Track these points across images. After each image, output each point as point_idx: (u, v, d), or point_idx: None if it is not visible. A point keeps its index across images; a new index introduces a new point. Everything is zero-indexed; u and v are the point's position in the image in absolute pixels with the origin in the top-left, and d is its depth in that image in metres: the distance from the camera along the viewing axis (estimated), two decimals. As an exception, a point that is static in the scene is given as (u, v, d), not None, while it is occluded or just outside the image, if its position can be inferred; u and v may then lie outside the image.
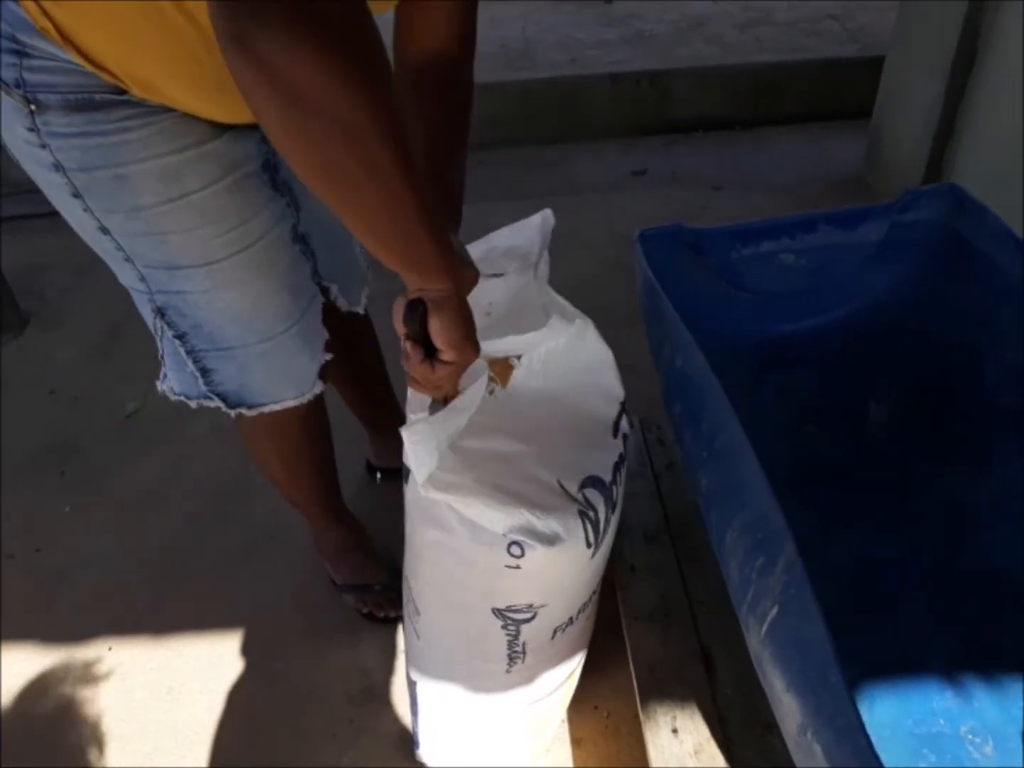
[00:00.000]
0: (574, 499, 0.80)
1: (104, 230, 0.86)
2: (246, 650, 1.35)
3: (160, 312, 0.94)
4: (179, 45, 0.72)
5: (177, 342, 0.96)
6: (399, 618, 1.31)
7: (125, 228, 0.85)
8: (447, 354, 0.72)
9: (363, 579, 1.36)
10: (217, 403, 1.02)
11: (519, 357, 0.86)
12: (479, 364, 0.79)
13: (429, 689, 1.01)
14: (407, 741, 1.18)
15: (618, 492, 0.86)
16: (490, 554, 0.79)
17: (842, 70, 2.68)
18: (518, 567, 0.79)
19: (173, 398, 1.05)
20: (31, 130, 0.78)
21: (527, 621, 0.86)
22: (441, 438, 0.78)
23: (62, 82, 0.75)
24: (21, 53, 0.74)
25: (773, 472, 0.77)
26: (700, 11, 3.10)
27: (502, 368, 0.86)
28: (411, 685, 1.05)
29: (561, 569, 0.82)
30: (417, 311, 0.71)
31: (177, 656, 1.35)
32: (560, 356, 0.87)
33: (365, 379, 1.42)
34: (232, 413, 1.04)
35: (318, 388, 1.08)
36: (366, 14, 0.55)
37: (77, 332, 2.05)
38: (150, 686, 1.31)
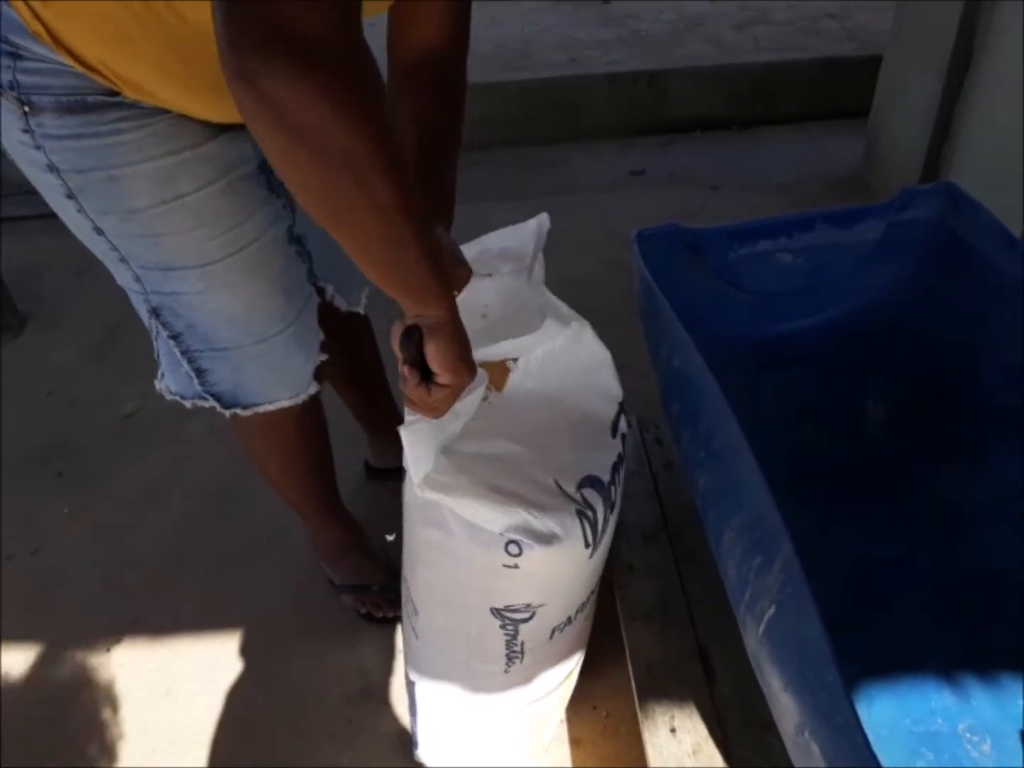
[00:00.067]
0: (572, 499, 0.80)
1: (99, 231, 0.86)
2: (244, 651, 1.35)
3: (155, 312, 0.94)
4: (170, 45, 0.72)
5: (172, 342, 0.96)
6: (397, 618, 1.31)
7: (119, 229, 0.86)
8: (443, 377, 0.73)
9: (361, 579, 1.36)
10: (212, 403, 1.03)
11: (515, 360, 0.86)
12: (479, 373, 0.79)
13: (428, 689, 1.01)
14: (406, 741, 1.18)
15: (616, 492, 0.86)
16: (488, 554, 0.79)
17: (840, 69, 2.68)
18: (516, 567, 0.79)
19: (169, 397, 1.05)
20: (26, 132, 0.78)
21: (525, 621, 0.86)
22: (439, 439, 0.78)
23: (55, 84, 0.75)
24: (14, 55, 0.74)
25: (771, 472, 0.77)
26: (697, 11, 3.10)
27: (497, 372, 0.86)
28: (410, 685, 1.05)
29: (559, 569, 0.82)
30: (414, 337, 0.72)
31: (175, 657, 1.35)
32: (557, 357, 0.87)
33: (364, 380, 1.42)
34: (227, 413, 1.04)
35: (313, 389, 1.08)
36: (366, 50, 0.56)
37: (75, 333, 2.05)
38: (148, 687, 1.31)
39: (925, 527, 1.11)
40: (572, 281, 1.98)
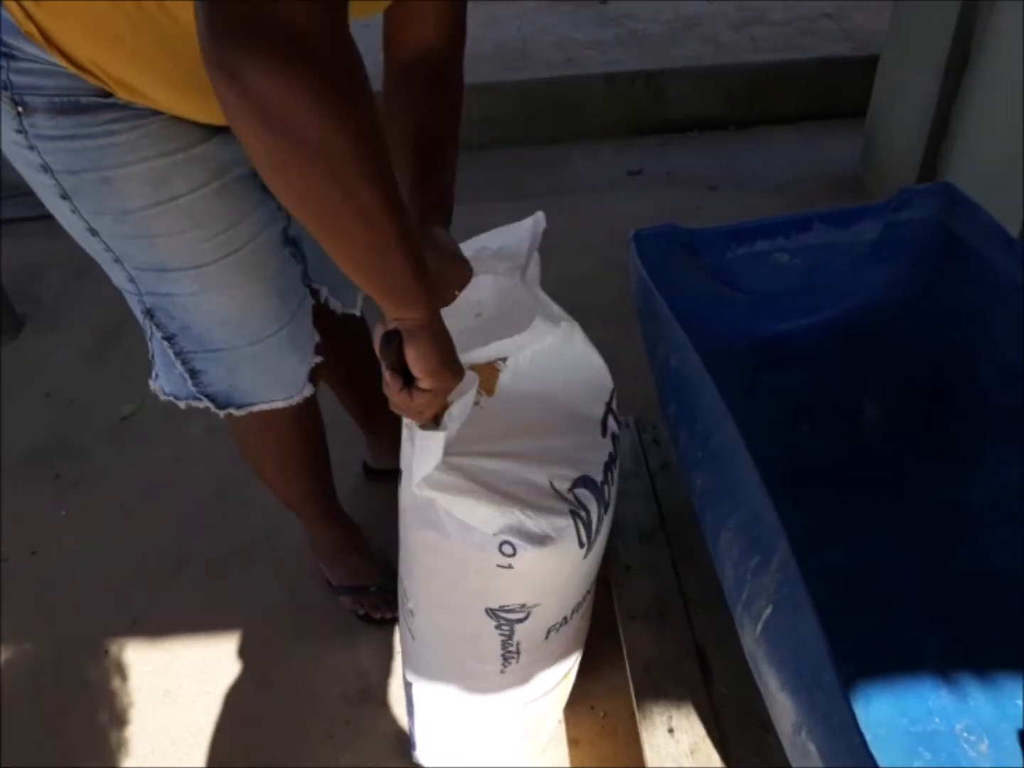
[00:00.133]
0: (565, 499, 0.80)
1: (93, 232, 0.86)
2: (243, 652, 1.35)
3: (149, 313, 0.94)
4: (162, 46, 0.72)
5: (166, 343, 0.96)
6: (395, 619, 1.31)
7: (113, 230, 0.85)
8: (424, 382, 0.72)
9: (359, 580, 1.36)
10: (206, 404, 1.02)
11: (504, 360, 0.86)
12: (468, 376, 0.79)
13: (425, 690, 1.01)
14: (404, 742, 1.18)
15: (610, 492, 0.86)
16: (482, 554, 0.79)
17: (837, 69, 2.68)
18: (510, 567, 0.79)
19: (163, 398, 1.05)
20: (19, 132, 0.78)
21: (520, 621, 0.86)
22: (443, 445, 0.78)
23: (48, 84, 0.75)
24: (8, 55, 0.74)
25: (768, 472, 0.77)
26: (695, 11, 3.10)
27: (487, 373, 0.86)
28: (407, 686, 1.05)
29: (553, 569, 0.82)
30: (393, 341, 0.71)
31: (174, 658, 1.35)
32: (547, 358, 0.87)
33: (361, 381, 1.42)
34: (221, 414, 1.04)
35: (308, 391, 1.08)
36: (353, 47, 0.55)
37: (73, 334, 2.04)
38: (146, 689, 1.31)
39: (922, 527, 1.11)
40: (571, 281, 1.99)
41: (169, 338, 0.95)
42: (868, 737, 0.61)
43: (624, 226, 1.18)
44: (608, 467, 0.85)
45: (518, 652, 0.91)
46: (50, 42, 0.72)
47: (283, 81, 0.50)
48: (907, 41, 2.00)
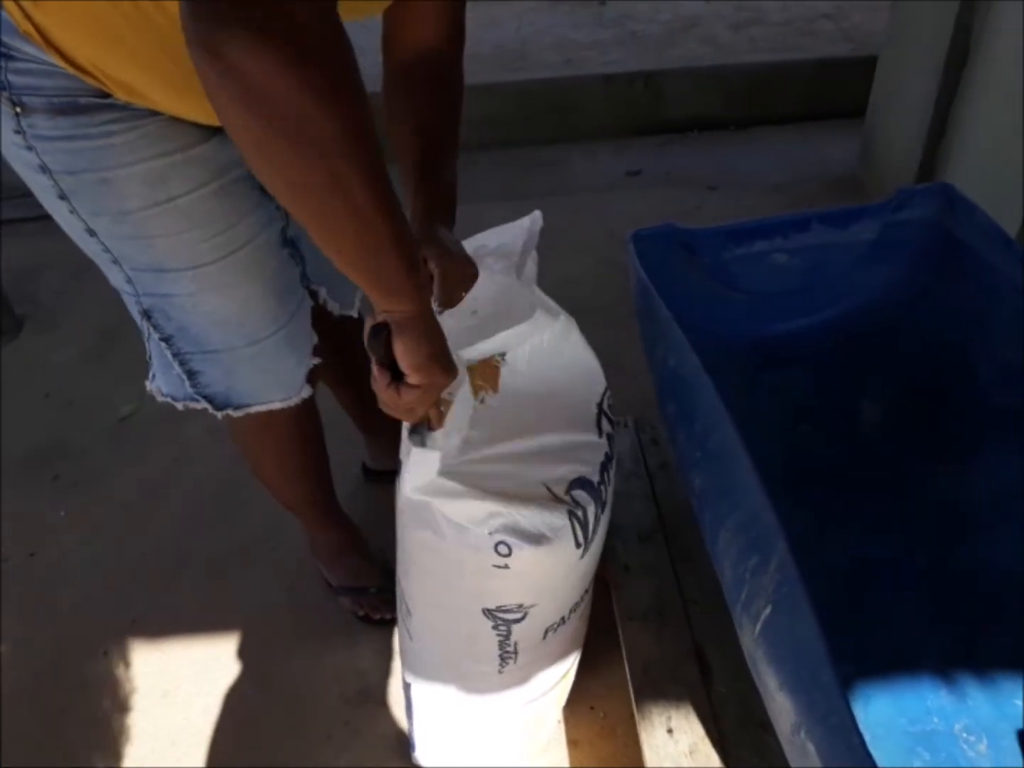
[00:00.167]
0: (562, 500, 0.80)
1: (91, 232, 0.86)
2: (242, 653, 1.35)
3: (146, 314, 0.94)
4: (161, 46, 0.72)
5: (163, 344, 0.96)
6: (395, 620, 1.31)
7: (112, 231, 0.85)
8: (413, 377, 0.71)
9: (358, 581, 1.36)
10: (204, 405, 1.02)
11: (503, 355, 0.86)
12: (461, 396, 0.78)
13: (423, 690, 1.01)
14: (403, 743, 1.18)
15: (607, 492, 0.86)
16: (478, 555, 0.79)
17: (836, 70, 2.68)
18: (506, 567, 0.78)
19: (160, 399, 1.04)
20: (18, 132, 0.78)
21: (517, 621, 0.86)
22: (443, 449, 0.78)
23: (47, 85, 0.75)
24: (6, 55, 0.74)
25: (768, 472, 0.77)
26: (693, 11, 3.10)
27: (489, 371, 0.86)
28: (406, 687, 1.05)
29: (550, 569, 0.82)
30: (382, 334, 0.69)
31: (172, 659, 1.35)
32: (544, 356, 0.87)
33: (359, 382, 1.41)
34: (219, 415, 1.04)
35: (305, 392, 1.08)
36: (340, 28, 0.54)
37: (72, 335, 2.04)
38: (145, 689, 1.31)
39: (922, 527, 1.11)
40: (570, 281, 1.98)
41: (167, 339, 0.95)
42: (867, 737, 0.62)
43: (623, 226, 1.18)
44: (604, 467, 0.85)
45: (516, 652, 0.91)
46: (48, 42, 0.72)
47: (263, 57, 0.49)
48: (905, 41, 2.00)
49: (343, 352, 1.29)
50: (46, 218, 0.90)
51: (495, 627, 0.87)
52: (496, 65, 2.84)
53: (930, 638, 1.00)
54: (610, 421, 0.89)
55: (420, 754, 1.12)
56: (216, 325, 0.94)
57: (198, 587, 1.45)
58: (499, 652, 0.90)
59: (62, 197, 0.83)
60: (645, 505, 1.23)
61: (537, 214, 0.90)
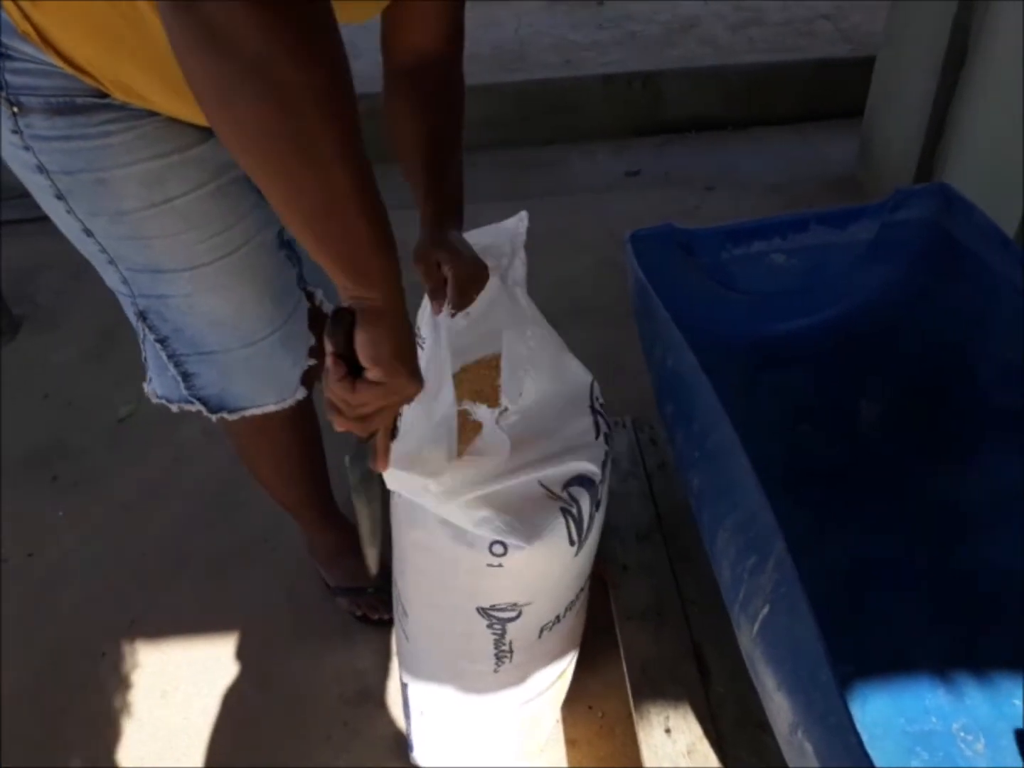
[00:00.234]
0: (557, 497, 0.80)
1: (88, 232, 0.86)
2: (240, 653, 1.35)
3: (142, 315, 0.94)
4: (157, 46, 0.71)
5: (158, 346, 0.96)
6: (392, 620, 1.31)
7: (109, 231, 0.85)
8: (372, 372, 0.64)
9: (356, 582, 1.36)
10: (198, 407, 1.02)
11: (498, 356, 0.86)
12: (448, 413, 0.75)
13: (420, 690, 1.01)
14: (402, 743, 1.18)
15: (603, 489, 0.86)
16: (472, 553, 0.79)
17: (835, 70, 2.68)
18: (500, 566, 0.78)
19: (155, 401, 1.04)
20: (15, 132, 0.77)
21: (512, 620, 0.86)
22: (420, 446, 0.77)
23: (44, 85, 0.75)
24: (4, 55, 0.74)
25: (768, 471, 0.77)
26: (692, 12, 3.10)
27: (484, 373, 0.85)
28: (403, 687, 1.05)
29: (544, 567, 0.82)
30: (343, 321, 0.63)
31: (171, 660, 1.35)
32: (528, 364, 0.86)
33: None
34: (213, 417, 1.03)
35: (300, 394, 1.07)
36: None
37: (70, 336, 2.04)
38: (144, 690, 1.31)
39: (922, 527, 1.11)
40: (569, 281, 2.00)
41: (162, 340, 0.95)
42: (865, 737, 0.62)
43: (622, 226, 1.19)
44: (601, 465, 0.85)
45: (511, 651, 0.91)
46: (46, 42, 0.72)
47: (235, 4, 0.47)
48: (903, 42, 2.00)
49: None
50: (45, 219, 0.90)
51: (490, 626, 0.87)
52: (495, 66, 2.84)
53: (930, 638, 1.00)
54: (604, 419, 0.89)
55: (418, 754, 1.12)
56: (212, 326, 0.94)
57: (197, 587, 1.45)
58: (494, 651, 0.90)
59: (59, 197, 0.82)
60: (643, 505, 1.23)
61: (523, 214, 0.90)
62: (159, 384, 1.02)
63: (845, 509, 1.14)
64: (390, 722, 1.23)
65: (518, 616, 0.86)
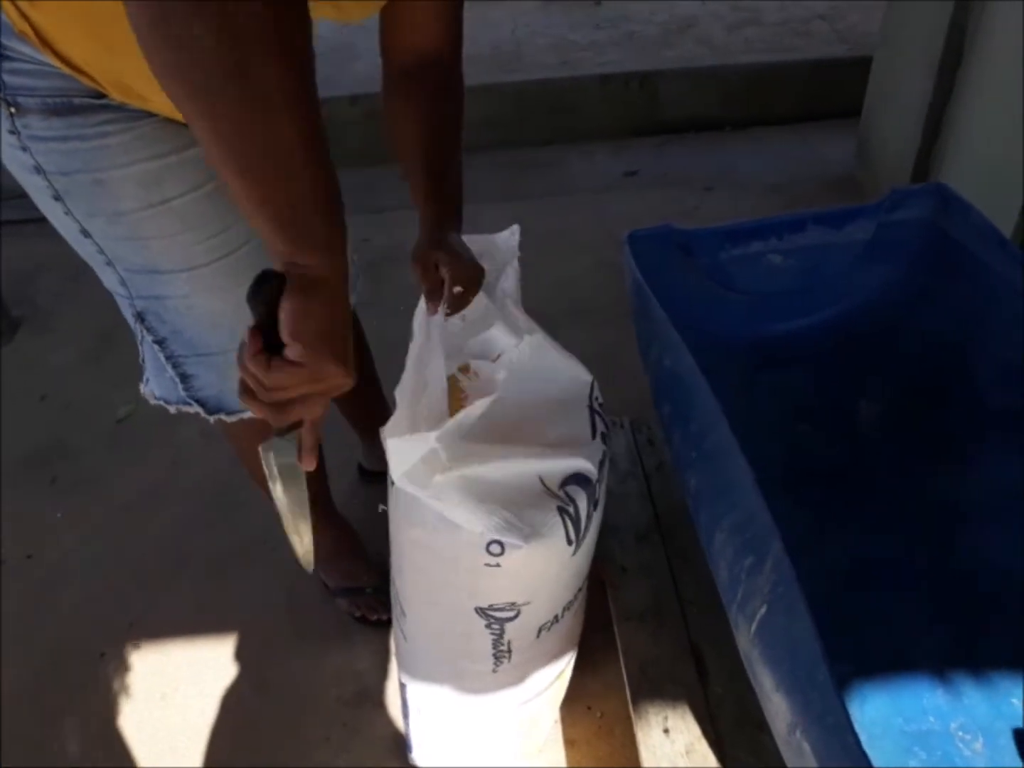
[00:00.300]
0: (555, 495, 0.80)
1: (85, 233, 0.86)
2: (239, 654, 1.35)
3: (140, 317, 0.93)
4: None
5: (156, 347, 0.96)
6: (391, 620, 1.31)
7: (106, 232, 0.85)
8: (292, 349, 0.56)
9: (355, 582, 1.36)
10: (196, 409, 1.02)
11: (499, 356, 0.86)
12: (439, 385, 0.75)
13: (419, 691, 1.01)
14: (401, 744, 1.18)
15: (600, 489, 0.86)
16: (470, 553, 0.78)
17: (832, 70, 2.69)
18: (498, 565, 0.78)
19: (153, 402, 1.04)
20: (12, 133, 0.77)
21: (511, 620, 0.86)
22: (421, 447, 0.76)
23: (41, 85, 0.75)
24: (1, 56, 0.74)
25: (767, 472, 0.77)
26: (689, 12, 3.10)
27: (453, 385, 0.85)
28: (401, 687, 1.05)
29: (542, 567, 0.82)
30: (265, 286, 0.56)
31: (170, 661, 1.35)
32: (522, 372, 0.85)
33: (355, 384, 1.42)
34: (211, 419, 1.03)
35: None
36: None
37: (68, 337, 2.04)
38: (143, 692, 1.31)
39: (922, 527, 1.11)
40: (567, 282, 2.00)
41: (160, 342, 0.95)
42: (863, 737, 0.62)
43: (621, 227, 1.19)
44: (599, 464, 0.85)
45: (509, 651, 0.91)
46: (44, 42, 0.72)
47: None
48: (900, 42, 2.00)
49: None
50: (44, 220, 0.90)
51: (488, 626, 0.87)
52: (492, 66, 2.84)
53: (928, 637, 1.00)
54: (603, 419, 0.89)
55: (417, 755, 1.12)
56: (210, 328, 0.94)
57: (197, 588, 1.45)
58: (493, 651, 0.90)
59: (57, 198, 0.82)
60: (641, 505, 1.23)
61: (515, 228, 0.90)
62: (157, 385, 1.02)
63: (845, 509, 1.14)
64: (389, 722, 1.23)
65: (516, 616, 0.86)
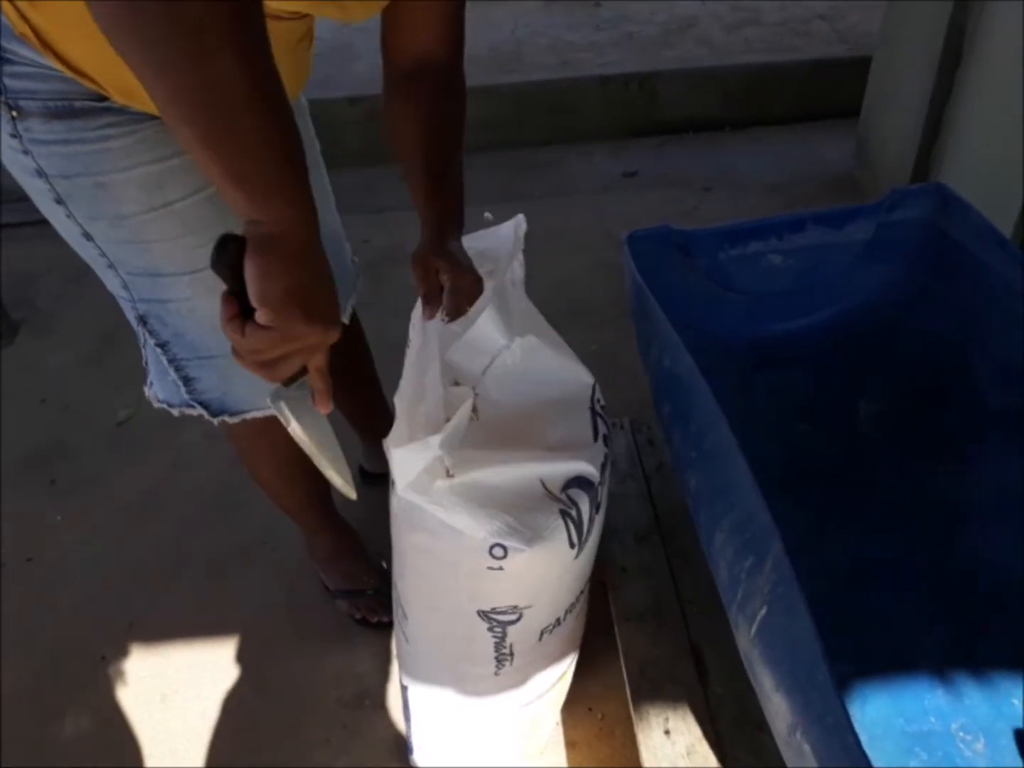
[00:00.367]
0: (557, 499, 0.80)
1: (87, 236, 0.86)
2: (239, 656, 1.35)
3: (142, 320, 0.93)
4: None
5: (159, 350, 0.96)
6: (392, 623, 1.31)
7: (108, 235, 0.85)
8: (262, 314, 0.55)
9: (355, 584, 1.36)
10: (199, 411, 1.02)
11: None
12: (436, 392, 0.75)
13: (420, 693, 1.01)
14: (401, 746, 1.18)
15: (602, 492, 0.86)
16: (472, 556, 0.78)
17: (831, 70, 2.69)
18: (501, 568, 0.78)
19: (156, 405, 1.04)
20: (13, 136, 0.77)
21: (513, 623, 0.86)
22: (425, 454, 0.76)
23: (43, 88, 0.75)
24: (2, 59, 0.73)
25: (766, 472, 0.77)
26: (689, 12, 3.11)
27: None
28: (403, 690, 1.05)
29: (544, 570, 0.82)
30: (228, 248, 0.54)
31: (170, 663, 1.35)
32: (518, 374, 0.85)
33: (355, 385, 1.42)
34: (215, 421, 1.03)
35: None
36: None
37: (69, 339, 2.04)
38: (143, 694, 1.31)
39: (922, 527, 1.11)
40: (567, 282, 2.00)
41: (162, 345, 0.95)
42: (863, 737, 0.62)
43: (620, 227, 1.19)
44: (601, 467, 0.85)
45: (511, 654, 0.91)
46: (45, 44, 0.71)
47: None
48: (899, 42, 2.01)
49: (340, 356, 1.29)
50: (44, 222, 0.90)
51: (490, 629, 0.87)
52: (492, 67, 2.84)
53: (928, 637, 1.00)
54: (604, 421, 0.89)
55: (418, 756, 1.12)
56: (212, 330, 0.94)
57: (197, 589, 1.45)
58: (495, 654, 0.90)
59: (58, 201, 0.82)
60: (641, 506, 1.23)
61: (520, 217, 0.89)
62: (160, 388, 1.02)
63: (845, 509, 1.14)
64: (389, 724, 1.23)
65: (518, 619, 0.86)
